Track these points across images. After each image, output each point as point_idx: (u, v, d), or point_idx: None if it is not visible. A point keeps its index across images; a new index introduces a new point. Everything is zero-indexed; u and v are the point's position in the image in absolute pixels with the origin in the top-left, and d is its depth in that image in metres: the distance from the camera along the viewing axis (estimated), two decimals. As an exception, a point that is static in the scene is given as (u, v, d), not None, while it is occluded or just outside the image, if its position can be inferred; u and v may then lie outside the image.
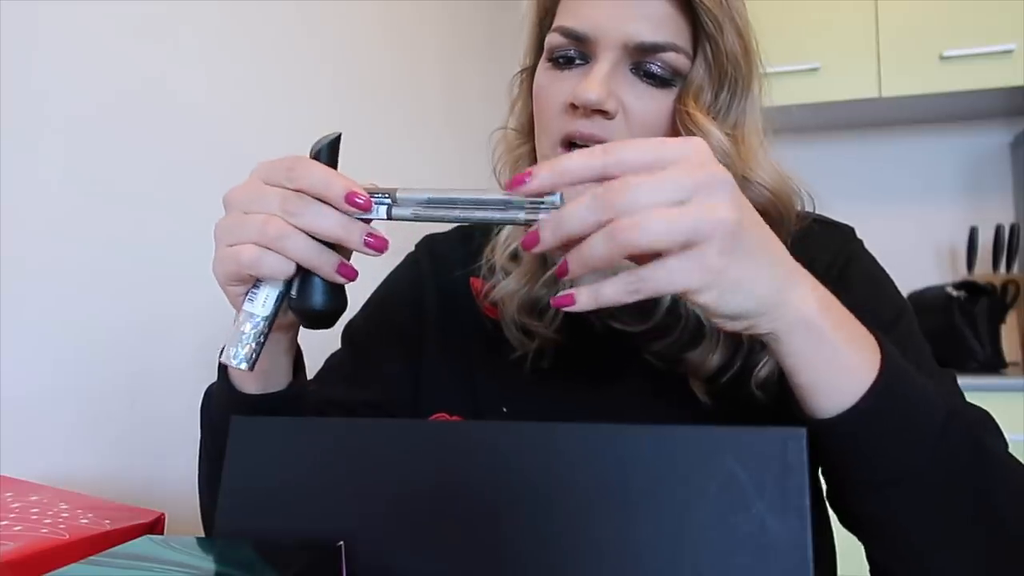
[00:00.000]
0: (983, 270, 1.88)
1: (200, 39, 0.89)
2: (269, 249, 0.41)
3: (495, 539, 0.38)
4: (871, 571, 0.50)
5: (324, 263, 0.42)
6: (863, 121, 2.00)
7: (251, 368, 0.43)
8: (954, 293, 1.77)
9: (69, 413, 0.71)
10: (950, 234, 1.99)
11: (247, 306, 0.44)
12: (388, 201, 0.42)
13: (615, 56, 0.52)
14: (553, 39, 0.55)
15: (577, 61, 0.55)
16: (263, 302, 0.43)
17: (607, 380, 0.60)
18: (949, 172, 2.04)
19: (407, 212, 0.42)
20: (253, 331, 0.43)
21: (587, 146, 0.52)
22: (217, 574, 0.33)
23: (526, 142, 0.62)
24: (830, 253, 0.58)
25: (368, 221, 0.42)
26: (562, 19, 0.55)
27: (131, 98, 0.78)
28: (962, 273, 1.91)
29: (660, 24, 0.52)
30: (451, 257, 0.68)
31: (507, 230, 0.62)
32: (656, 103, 0.53)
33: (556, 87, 0.55)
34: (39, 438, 0.68)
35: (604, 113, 0.52)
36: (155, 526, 0.45)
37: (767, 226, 0.40)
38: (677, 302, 0.57)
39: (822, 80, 1.82)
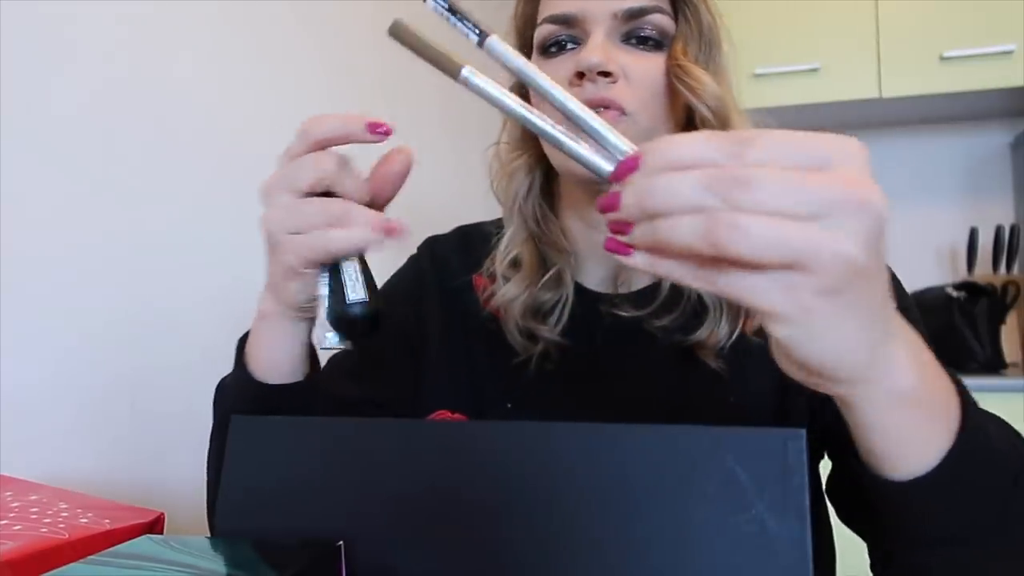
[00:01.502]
0: (983, 271, 1.88)
1: (200, 36, 0.89)
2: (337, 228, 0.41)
3: (495, 539, 0.38)
4: (873, 566, 0.50)
5: (356, 126, 0.41)
6: (863, 121, 2.00)
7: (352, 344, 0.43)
8: (954, 294, 1.77)
9: (69, 413, 0.71)
10: (950, 235, 1.99)
11: (324, 289, 0.43)
12: (477, 34, 0.36)
13: (605, 27, 0.55)
14: (543, 30, 0.58)
15: (569, 45, 0.57)
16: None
17: (612, 377, 0.60)
18: (949, 172, 2.04)
19: (483, 82, 0.35)
20: None
21: (598, 109, 0.53)
22: (217, 574, 0.33)
23: (521, 154, 0.63)
24: None
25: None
26: (547, 10, 0.57)
27: (130, 95, 0.78)
28: (962, 274, 1.91)
29: None
30: (452, 257, 0.69)
31: (505, 239, 0.63)
32: (652, 64, 0.56)
33: (555, 68, 0.56)
34: (39, 438, 0.68)
35: (608, 75, 0.54)
36: (155, 526, 0.45)
37: (887, 280, 0.32)
38: (680, 286, 0.57)
39: (822, 80, 1.82)
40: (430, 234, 0.72)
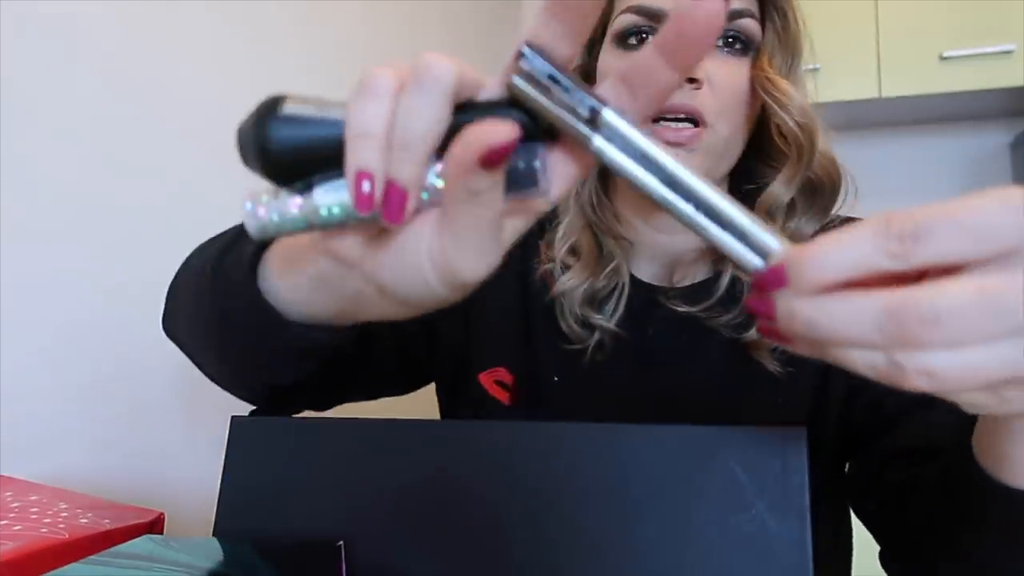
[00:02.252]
0: (983, 270, 1.88)
1: (200, 38, 0.89)
2: None
3: (495, 539, 0.38)
4: (883, 555, 0.50)
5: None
6: (863, 121, 2.00)
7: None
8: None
9: (69, 413, 0.71)
10: (950, 234, 1.99)
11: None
12: (590, 108, 0.28)
13: None
14: (624, 19, 0.55)
15: (651, 38, 0.53)
16: None
17: (662, 371, 0.60)
18: (949, 172, 2.04)
19: (613, 152, 0.28)
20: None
21: (677, 119, 0.52)
22: (217, 574, 0.33)
23: None
24: None
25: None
26: (631, 0, 0.55)
27: (128, 96, 0.78)
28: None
29: None
30: None
31: (563, 225, 0.61)
32: (736, 70, 0.54)
33: None
34: (39, 438, 0.68)
35: (694, 82, 0.52)
36: (155, 526, 0.45)
37: None
38: (738, 281, 0.57)
39: (822, 80, 1.80)
40: None
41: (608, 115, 0.28)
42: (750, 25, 0.54)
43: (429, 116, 0.27)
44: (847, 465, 0.57)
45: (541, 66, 0.27)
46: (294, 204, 0.30)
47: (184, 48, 0.86)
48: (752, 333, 0.56)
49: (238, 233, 0.43)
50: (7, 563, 0.36)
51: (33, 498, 0.48)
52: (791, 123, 0.54)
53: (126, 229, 0.77)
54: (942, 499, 0.43)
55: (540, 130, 0.28)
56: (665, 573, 0.35)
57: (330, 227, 0.30)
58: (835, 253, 0.25)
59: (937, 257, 0.24)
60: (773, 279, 0.27)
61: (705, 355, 0.59)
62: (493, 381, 0.63)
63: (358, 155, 0.27)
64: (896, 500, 0.49)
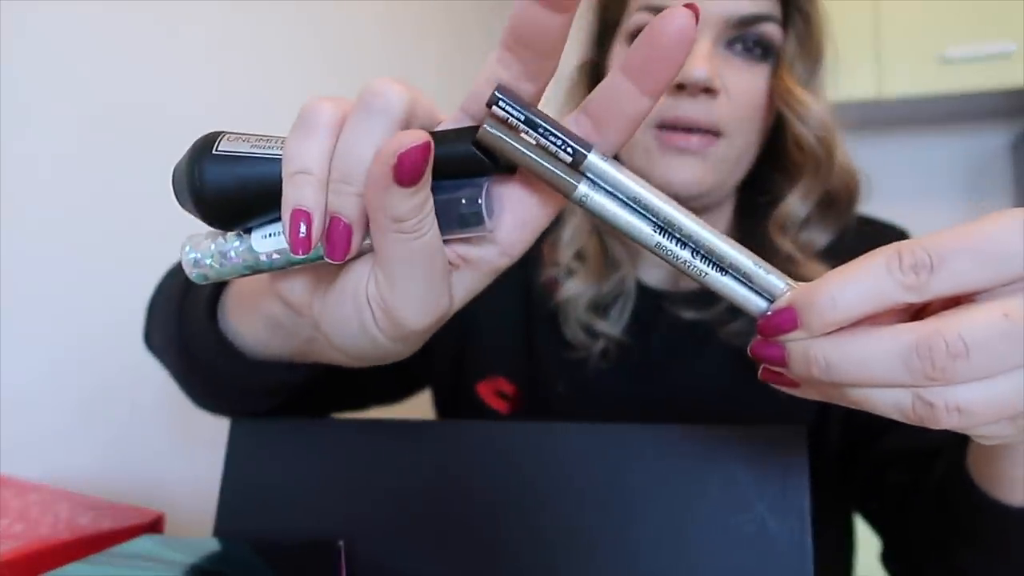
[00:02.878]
0: (983, 270, 1.88)
1: (198, 40, 0.89)
2: None
3: (495, 539, 0.38)
4: (884, 554, 0.50)
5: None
6: (863, 121, 2.00)
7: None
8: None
9: (69, 413, 0.71)
10: (950, 234, 1.99)
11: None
12: (569, 152, 0.25)
13: (713, 33, 0.51)
14: (640, 19, 0.53)
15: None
16: None
17: (667, 377, 0.59)
18: (949, 172, 2.04)
19: (601, 200, 0.26)
20: None
21: (689, 130, 0.50)
22: (217, 574, 0.33)
23: None
24: None
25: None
26: None
27: (129, 97, 0.78)
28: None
29: None
30: None
31: (569, 229, 0.60)
32: (754, 79, 0.52)
33: None
34: (39, 438, 0.68)
35: (709, 92, 0.50)
36: (155, 526, 0.45)
37: None
38: None
39: (822, 80, 1.81)
40: None
41: (593, 159, 0.25)
42: (771, 31, 0.52)
43: (374, 143, 0.24)
44: (850, 466, 0.57)
45: (516, 112, 0.25)
46: (232, 250, 0.28)
47: (195, 65, 0.86)
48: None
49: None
50: (7, 563, 0.36)
51: (33, 498, 0.48)
52: (810, 137, 0.52)
53: (127, 231, 0.77)
54: (938, 512, 0.43)
55: (495, 164, 0.26)
56: (665, 573, 0.35)
57: (275, 270, 0.28)
58: (849, 289, 0.23)
59: (954, 287, 0.23)
60: (782, 323, 0.25)
61: (709, 363, 0.58)
62: (493, 392, 0.62)
63: (294, 193, 0.25)
64: (899, 501, 0.49)
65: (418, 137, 0.23)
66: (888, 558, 0.50)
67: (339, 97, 0.27)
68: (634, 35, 0.54)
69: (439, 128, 0.27)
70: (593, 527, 0.36)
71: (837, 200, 0.56)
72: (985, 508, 0.37)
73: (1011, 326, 0.22)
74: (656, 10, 0.52)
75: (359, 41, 1.25)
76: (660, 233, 0.26)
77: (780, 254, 0.55)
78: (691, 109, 0.51)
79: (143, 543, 0.37)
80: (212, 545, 0.38)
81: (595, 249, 0.59)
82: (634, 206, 0.26)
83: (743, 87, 0.52)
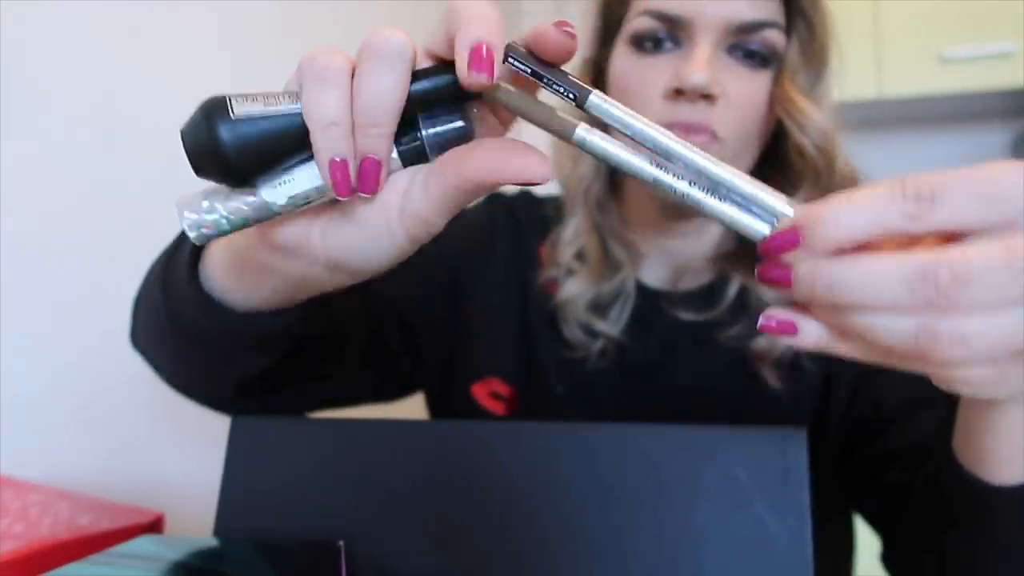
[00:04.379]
0: (983, 270, 1.88)
1: (197, 38, 0.89)
2: None
3: (495, 539, 0.38)
4: (884, 556, 0.50)
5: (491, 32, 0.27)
6: (863, 121, 2.00)
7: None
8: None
9: (69, 413, 0.71)
10: (950, 234, 1.99)
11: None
12: (572, 96, 0.28)
13: (714, 38, 0.50)
14: (641, 23, 0.52)
15: (667, 44, 0.52)
16: None
17: (666, 379, 0.59)
18: (949, 172, 2.04)
19: (599, 141, 0.28)
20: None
21: (687, 131, 0.50)
22: (217, 574, 0.33)
23: None
24: None
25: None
26: (650, 2, 0.52)
27: (134, 101, 0.78)
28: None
29: (757, 2, 0.50)
30: (522, 220, 0.66)
31: (570, 228, 0.60)
32: (755, 85, 0.52)
33: (649, 73, 0.52)
34: (39, 438, 0.68)
35: (708, 98, 0.50)
36: (155, 526, 0.45)
37: None
38: (746, 291, 0.56)
39: (822, 80, 1.81)
40: (498, 193, 0.69)
41: (595, 99, 0.28)
42: (773, 37, 0.51)
43: (395, 87, 0.27)
44: (849, 465, 0.57)
45: (523, 66, 0.28)
46: (244, 204, 0.30)
47: (197, 53, 0.86)
48: (757, 343, 0.55)
49: (180, 237, 0.44)
50: (7, 563, 0.36)
51: (33, 498, 0.48)
52: (810, 146, 0.52)
53: (127, 230, 0.77)
54: (928, 500, 0.43)
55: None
56: (665, 573, 0.35)
57: (280, 216, 0.30)
58: (852, 211, 0.24)
59: (951, 220, 0.23)
60: (784, 241, 0.25)
61: (708, 364, 0.58)
62: (487, 393, 0.61)
63: (330, 144, 0.27)
64: (898, 501, 0.49)
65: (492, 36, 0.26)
66: (887, 558, 0.50)
67: (331, 47, 0.29)
68: (637, 40, 0.53)
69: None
70: (593, 526, 0.36)
71: None
72: (971, 488, 0.37)
73: (1013, 259, 0.22)
74: (660, 16, 0.51)
75: (356, 41, 1.25)
76: (657, 167, 0.28)
77: None
78: (689, 114, 0.50)
79: (143, 543, 0.37)
80: (212, 545, 0.38)
81: (595, 249, 0.59)
82: (628, 151, 0.28)
83: (743, 93, 0.51)
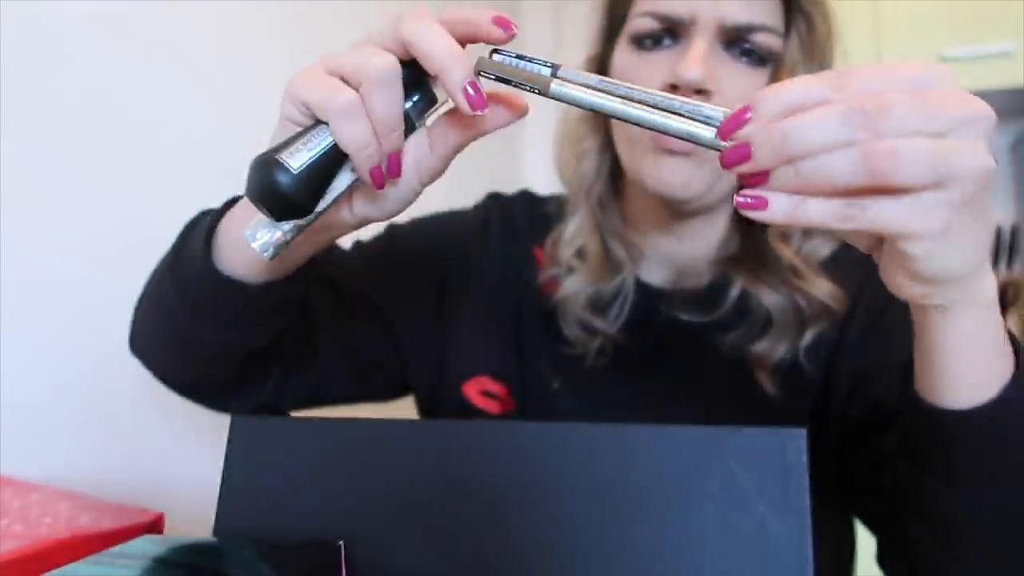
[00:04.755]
0: (983, 270, 1.88)
1: (195, 36, 0.89)
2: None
3: (495, 539, 0.38)
4: (880, 556, 0.50)
5: (457, 67, 0.34)
6: (863, 121, 2.00)
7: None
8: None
9: (69, 413, 0.71)
10: (950, 234, 1.99)
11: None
12: (549, 68, 0.36)
13: (710, 36, 0.52)
14: (641, 23, 0.54)
15: (666, 41, 0.53)
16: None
17: (663, 378, 0.59)
18: (949, 172, 2.04)
19: (570, 88, 0.35)
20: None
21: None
22: (217, 574, 0.33)
23: (592, 135, 0.60)
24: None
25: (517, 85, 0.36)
26: (649, 3, 0.54)
27: (129, 98, 0.78)
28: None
29: (754, 5, 0.51)
30: (520, 221, 0.67)
31: (572, 226, 0.61)
32: (751, 83, 0.52)
33: (646, 69, 0.53)
34: (39, 438, 0.68)
35: (703, 93, 0.51)
36: (155, 526, 0.45)
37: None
38: (747, 295, 0.56)
39: (822, 80, 1.81)
40: (497, 192, 0.71)
41: (564, 70, 0.36)
42: (766, 40, 0.52)
43: (397, 101, 0.35)
44: (848, 466, 0.57)
45: (509, 53, 0.37)
46: (305, 220, 0.38)
47: (194, 51, 0.86)
48: (756, 348, 0.55)
49: (182, 237, 0.51)
50: (7, 563, 0.36)
51: (33, 498, 0.48)
52: None
53: (126, 230, 0.77)
54: (899, 450, 0.44)
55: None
56: (665, 573, 0.35)
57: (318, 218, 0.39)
58: (794, 88, 0.30)
59: (867, 85, 0.29)
60: (737, 119, 0.31)
61: (706, 367, 0.58)
62: (479, 391, 0.62)
63: (368, 160, 0.35)
64: (895, 502, 0.49)
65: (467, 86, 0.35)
66: (884, 560, 0.50)
67: (335, 82, 0.35)
68: (637, 38, 0.54)
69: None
70: (593, 527, 0.36)
71: None
72: (930, 418, 0.39)
73: (923, 99, 0.29)
74: (659, 17, 0.53)
75: (354, 37, 1.25)
76: (621, 102, 0.35)
77: (782, 263, 0.55)
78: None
79: (143, 543, 0.37)
80: (212, 545, 0.38)
81: (596, 247, 0.59)
82: (596, 95, 0.35)
83: (739, 91, 0.52)
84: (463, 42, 0.36)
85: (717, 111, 0.33)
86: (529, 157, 2.10)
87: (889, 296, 0.37)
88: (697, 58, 0.50)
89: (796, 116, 0.29)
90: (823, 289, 0.54)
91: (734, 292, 0.57)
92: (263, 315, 0.49)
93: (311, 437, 0.42)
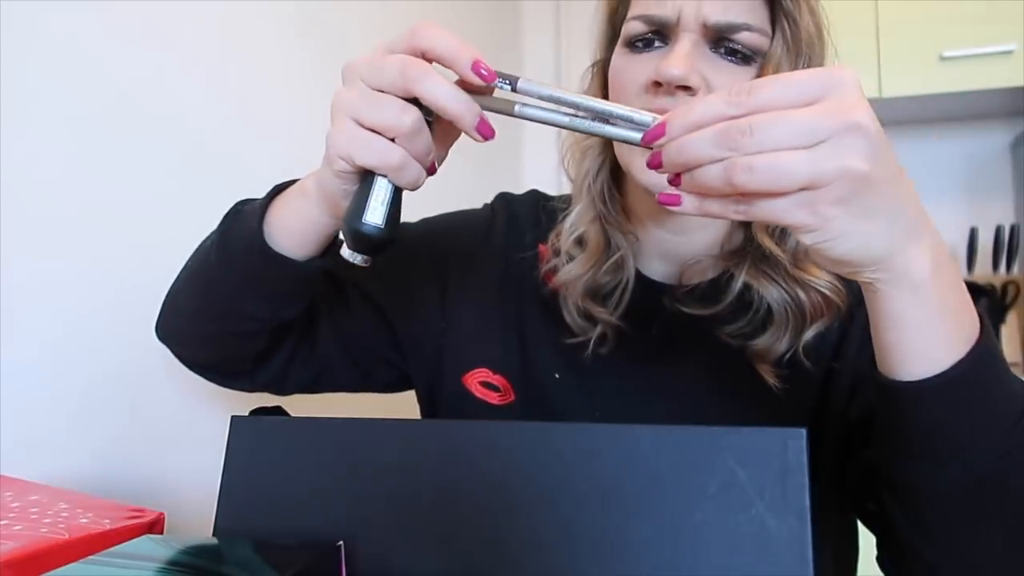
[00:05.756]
0: (983, 271, 1.88)
1: (199, 39, 0.89)
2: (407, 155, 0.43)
3: (495, 539, 0.38)
4: (879, 557, 0.50)
5: (468, 112, 0.41)
6: (863, 121, 2.00)
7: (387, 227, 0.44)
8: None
9: (69, 412, 0.71)
10: (950, 235, 1.99)
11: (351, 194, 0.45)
12: (508, 84, 0.42)
13: (695, 36, 0.53)
14: (632, 27, 0.56)
15: (656, 43, 0.56)
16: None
17: (664, 369, 0.60)
18: (949, 172, 2.04)
19: (527, 102, 0.42)
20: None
21: None
22: (217, 574, 0.33)
23: None
24: None
25: (487, 96, 0.43)
26: (639, 8, 0.56)
27: (130, 97, 0.78)
28: (962, 274, 1.91)
29: (736, 4, 0.53)
30: (525, 220, 0.68)
31: (572, 216, 0.62)
32: (737, 78, 0.54)
33: (636, 68, 0.56)
34: (39, 438, 0.68)
35: (688, 89, 0.52)
36: (155, 526, 0.45)
37: (904, 181, 0.38)
38: (749, 288, 0.57)
39: (822, 80, 1.81)
40: (506, 192, 0.73)
41: (522, 82, 0.42)
42: (750, 39, 0.53)
43: (428, 138, 0.44)
44: (848, 466, 0.57)
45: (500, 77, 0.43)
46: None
47: (195, 49, 0.86)
48: (757, 343, 0.56)
49: (227, 222, 0.56)
50: (7, 563, 0.36)
51: (33, 498, 0.48)
52: None
53: (126, 229, 0.77)
54: (874, 437, 0.47)
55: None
56: (665, 573, 0.35)
57: None
58: (697, 108, 0.37)
59: (762, 103, 0.35)
60: (657, 132, 0.38)
61: (708, 359, 0.58)
62: (478, 382, 0.63)
63: (420, 180, 0.44)
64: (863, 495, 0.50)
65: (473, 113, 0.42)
66: (883, 561, 0.50)
67: (379, 141, 0.42)
68: (627, 42, 0.57)
69: None
70: (593, 527, 0.36)
71: None
72: (885, 390, 0.42)
73: (789, 117, 0.34)
74: (648, 20, 0.55)
75: (357, 41, 1.25)
76: (570, 117, 0.42)
77: (773, 256, 0.55)
78: (669, 103, 0.53)
79: (143, 543, 0.37)
80: (212, 545, 0.38)
81: (596, 236, 0.60)
82: (553, 108, 0.43)
83: (724, 85, 0.53)
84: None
85: (647, 116, 0.40)
86: (528, 159, 2.11)
87: None
88: (680, 56, 0.52)
89: (687, 136, 0.37)
90: (822, 281, 0.55)
91: (736, 286, 0.57)
92: (301, 287, 0.56)
93: (311, 437, 0.42)
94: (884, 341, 0.42)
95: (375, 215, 0.43)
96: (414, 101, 0.42)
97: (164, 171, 0.82)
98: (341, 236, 0.46)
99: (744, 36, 0.53)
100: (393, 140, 0.42)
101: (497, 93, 0.43)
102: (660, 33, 0.55)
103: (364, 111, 0.42)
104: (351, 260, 0.45)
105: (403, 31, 0.42)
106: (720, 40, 0.53)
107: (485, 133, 0.42)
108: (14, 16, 0.66)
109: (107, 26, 0.76)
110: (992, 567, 0.44)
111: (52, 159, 0.70)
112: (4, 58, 0.65)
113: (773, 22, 0.54)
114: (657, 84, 0.53)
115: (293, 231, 0.51)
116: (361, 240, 0.43)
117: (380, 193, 0.43)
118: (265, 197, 0.54)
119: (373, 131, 0.42)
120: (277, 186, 0.54)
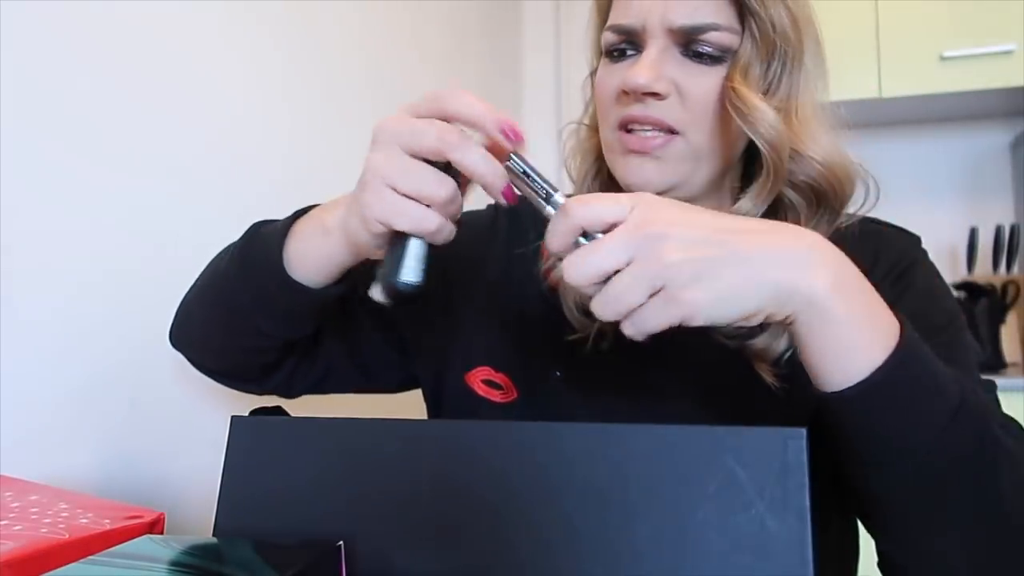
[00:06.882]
0: (983, 271, 1.88)
1: (203, 38, 0.89)
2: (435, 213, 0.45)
3: (495, 539, 0.38)
4: (879, 562, 0.51)
5: (498, 179, 0.44)
6: (863, 121, 2.00)
7: (420, 282, 0.46)
8: (954, 293, 1.77)
9: (69, 412, 0.71)
10: (950, 234, 1.99)
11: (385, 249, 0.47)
12: (546, 193, 0.45)
13: (663, 42, 0.54)
14: (607, 37, 0.58)
15: (629, 52, 0.57)
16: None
17: (664, 366, 0.60)
18: (949, 172, 2.04)
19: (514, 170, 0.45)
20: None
21: (645, 130, 0.57)
22: (217, 574, 0.33)
23: (595, 136, 0.64)
24: (896, 252, 0.61)
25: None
26: (612, 18, 0.57)
27: (132, 97, 0.78)
28: (962, 274, 1.91)
29: (699, 6, 0.53)
30: (527, 217, 0.69)
31: None
32: (708, 80, 0.54)
33: (610, 78, 0.58)
34: (39, 438, 0.68)
35: (656, 95, 0.54)
36: (155, 526, 0.45)
37: (744, 231, 0.41)
38: None
39: (822, 80, 1.81)
40: None
41: (557, 196, 0.45)
42: (718, 39, 0.53)
43: (460, 204, 0.46)
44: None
45: (519, 164, 0.46)
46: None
47: (195, 51, 0.86)
48: (755, 343, 0.56)
49: (246, 245, 0.57)
50: (7, 563, 0.36)
51: (33, 498, 0.48)
52: (758, 140, 0.53)
53: (127, 229, 0.77)
54: (832, 450, 0.47)
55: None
56: (665, 573, 0.35)
57: None
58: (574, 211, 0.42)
59: (580, 225, 0.42)
60: (553, 220, 0.43)
61: (708, 357, 0.58)
62: (480, 381, 0.63)
63: (452, 235, 0.46)
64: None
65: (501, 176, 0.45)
66: (884, 563, 0.50)
67: (417, 209, 0.44)
68: (605, 51, 0.58)
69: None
70: (593, 527, 0.36)
71: (824, 195, 0.56)
72: (820, 402, 0.44)
73: (592, 254, 0.41)
74: (618, 30, 0.56)
75: (359, 43, 1.25)
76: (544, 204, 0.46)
77: None
78: (641, 111, 0.55)
79: (143, 543, 0.37)
80: (212, 545, 0.38)
81: None
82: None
83: (696, 89, 0.54)
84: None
85: (560, 199, 0.44)
86: (529, 159, 2.10)
87: (892, 302, 0.41)
88: (644, 64, 0.54)
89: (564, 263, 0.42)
90: None
91: None
92: (316, 310, 0.57)
93: (311, 437, 0.43)
94: (806, 359, 0.43)
95: (412, 274, 0.45)
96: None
97: (165, 171, 0.82)
98: (374, 285, 0.49)
99: (712, 36, 0.53)
100: (428, 206, 0.44)
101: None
102: (632, 42, 0.56)
103: (400, 180, 0.44)
104: (378, 300, 0.47)
105: (425, 95, 0.44)
106: (690, 43, 0.54)
107: (509, 198, 0.45)
108: (14, 15, 0.66)
109: (107, 26, 0.76)
110: (962, 568, 0.45)
111: (52, 159, 0.70)
112: (4, 56, 0.65)
113: (742, 19, 0.54)
114: (625, 93, 0.55)
115: (312, 264, 0.53)
116: (398, 296, 0.46)
117: (415, 250, 0.45)
118: (286, 221, 0.54)
119: (408, 196, 0.44)
120: (297, 212, 0.55)
